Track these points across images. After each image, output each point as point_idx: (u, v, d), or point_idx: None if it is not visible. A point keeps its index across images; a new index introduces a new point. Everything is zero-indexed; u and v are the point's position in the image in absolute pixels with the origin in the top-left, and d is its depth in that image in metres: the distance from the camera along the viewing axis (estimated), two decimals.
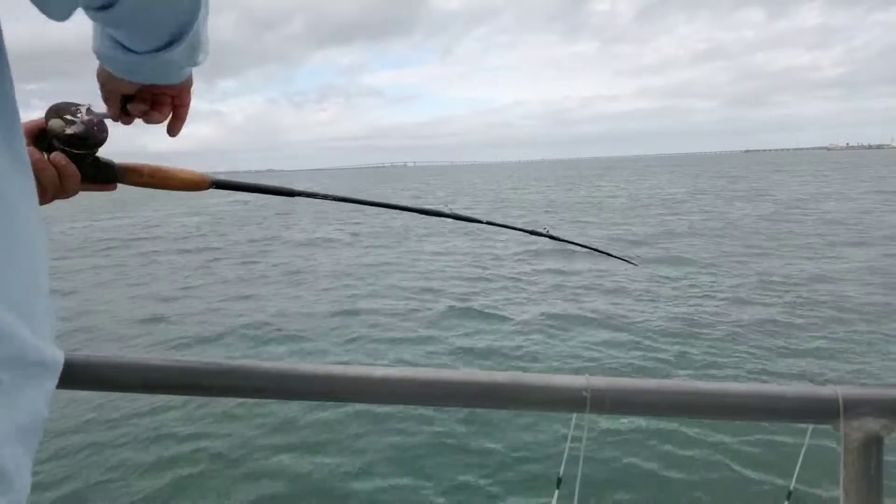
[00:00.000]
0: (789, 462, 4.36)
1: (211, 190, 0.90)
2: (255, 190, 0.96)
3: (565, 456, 0.98)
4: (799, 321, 8.04)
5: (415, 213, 1.10)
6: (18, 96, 0.59)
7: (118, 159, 0.85)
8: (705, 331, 7.77)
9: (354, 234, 20.07)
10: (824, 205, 23.81)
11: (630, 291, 10.08)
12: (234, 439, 5.23)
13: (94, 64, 0.78)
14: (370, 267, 13.63)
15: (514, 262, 13.51)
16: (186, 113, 0.88)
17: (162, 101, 0.84)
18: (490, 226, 1.19)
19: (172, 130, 0.88)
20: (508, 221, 1.17)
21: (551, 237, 1.26)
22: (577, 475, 0.96)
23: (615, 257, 1.47)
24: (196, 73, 0.83)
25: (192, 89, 0.87)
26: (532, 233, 1.23)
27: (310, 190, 1.00)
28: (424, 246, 16.73)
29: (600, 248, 1.39)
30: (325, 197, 0.99)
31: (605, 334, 7.82)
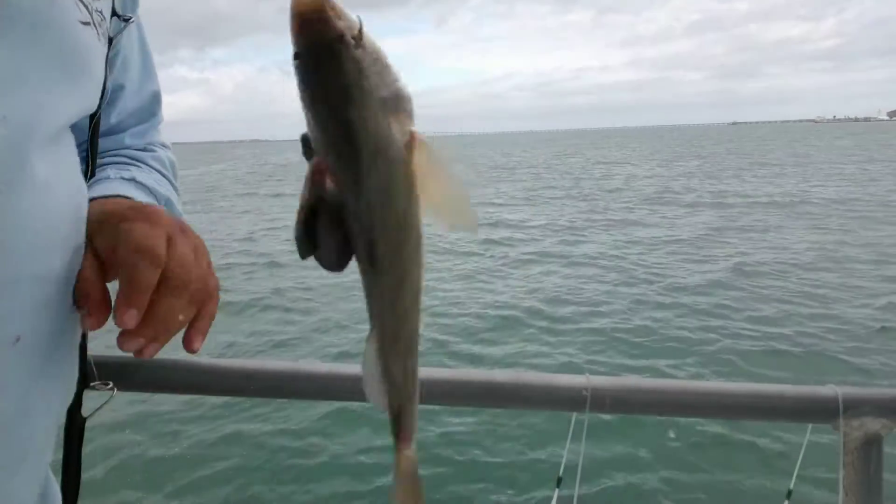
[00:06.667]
0: (789, 462, 4.35)
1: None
2: None
3: (565, 455, 0.98)
4: None
5: None
6: None
7: None
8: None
9: None
10: None
11: None
12: (232, 438, 5.21)
13: None
14: None
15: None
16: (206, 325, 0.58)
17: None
18: None
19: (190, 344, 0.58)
20: None
21: None
22: (577, 475, 0.96)
23: None
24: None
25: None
26: None
27: None
28: None
29: None
30: None
31: None
